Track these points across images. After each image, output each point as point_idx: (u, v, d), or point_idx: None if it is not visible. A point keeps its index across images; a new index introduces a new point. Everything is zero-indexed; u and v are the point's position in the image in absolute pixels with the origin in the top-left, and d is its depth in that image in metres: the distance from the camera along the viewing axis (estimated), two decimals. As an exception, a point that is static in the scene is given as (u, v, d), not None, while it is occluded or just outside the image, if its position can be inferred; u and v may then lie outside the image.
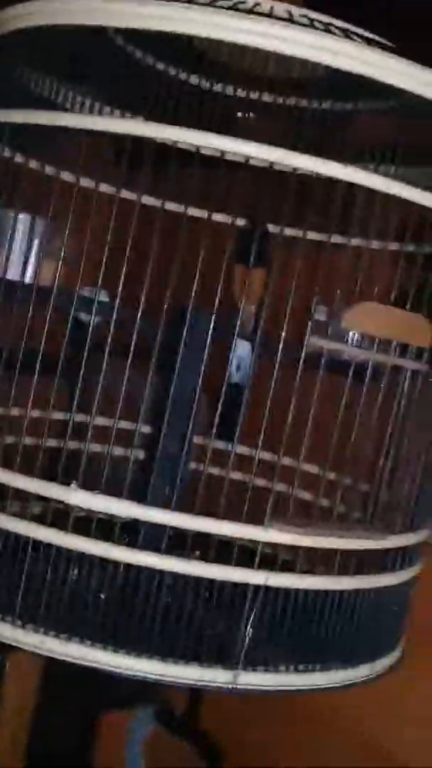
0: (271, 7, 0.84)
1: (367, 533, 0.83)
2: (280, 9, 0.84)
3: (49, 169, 0.95)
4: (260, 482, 0.99)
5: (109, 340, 0.80)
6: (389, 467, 0.88)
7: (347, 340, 0.83)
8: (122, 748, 1.65)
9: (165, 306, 0.78)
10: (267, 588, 0.78)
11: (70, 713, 1.65)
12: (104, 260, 0.80)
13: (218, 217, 1.01)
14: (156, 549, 0.79)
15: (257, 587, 0.78)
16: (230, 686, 0.78)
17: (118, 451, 0.95)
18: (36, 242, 0.88)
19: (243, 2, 0.83)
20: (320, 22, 0.85)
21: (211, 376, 0.87)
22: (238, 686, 0.79)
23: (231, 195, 0.93)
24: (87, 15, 0.75)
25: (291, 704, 1.42)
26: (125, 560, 0.77)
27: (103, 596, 0.80)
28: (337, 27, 0.86)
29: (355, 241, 0.89)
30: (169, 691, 1.61)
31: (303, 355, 0.77)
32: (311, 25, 0.82)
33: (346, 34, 0.85)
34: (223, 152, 0.75)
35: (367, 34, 0.85)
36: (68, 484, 0.77)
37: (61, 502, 0.78)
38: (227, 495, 0.82)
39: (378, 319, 0.80)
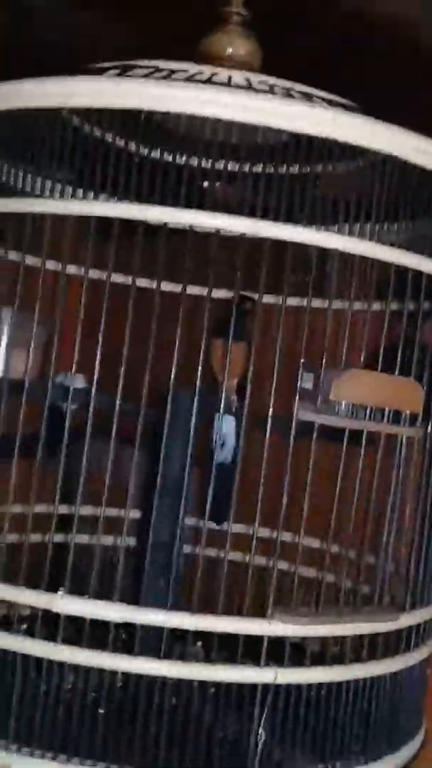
0: (229, 77, 0.83)
1: (376, 615, 0.78)
2: (239, 77, 0.83)
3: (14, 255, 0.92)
4: (260, 561, 0.94)
5: (89, 426, 0.77)
6: (392, 537, 0.84)
7: (338, 411, 0.79)
8: None
9: (144, 388, 0.75)
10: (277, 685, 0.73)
11: None
12: (76, 344, 0.77)
13: (193, 290, 0.99)
14: (154, 651, 0.74)
15: (266, 686, 0.73)
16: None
17: (107, 540, 0.90)
18: (5, 332, 0.85)
19: (200, 72, 0.82)
20: (280, 87, 0.84)
21: (200, 453, 0.84)
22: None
23: (203, 266, 0.91)
24: (42, 98, 0.75)
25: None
26: (121, 669, 0.72)
27: (101, 711, 0.74)
28: (297, 91, 0.85)
29: (336, 305, 0.86)
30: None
31: (293, 430, 0.73)
32: (270, 91, 0.81)
33: (308, 97, 0.84)
34: (191, 225, 0.73)
35: (330, 96, 0.84)
36: (56, 589, 0.72)
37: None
38: (226, 577, 0.77)
39: (367, 386, 0.76)
